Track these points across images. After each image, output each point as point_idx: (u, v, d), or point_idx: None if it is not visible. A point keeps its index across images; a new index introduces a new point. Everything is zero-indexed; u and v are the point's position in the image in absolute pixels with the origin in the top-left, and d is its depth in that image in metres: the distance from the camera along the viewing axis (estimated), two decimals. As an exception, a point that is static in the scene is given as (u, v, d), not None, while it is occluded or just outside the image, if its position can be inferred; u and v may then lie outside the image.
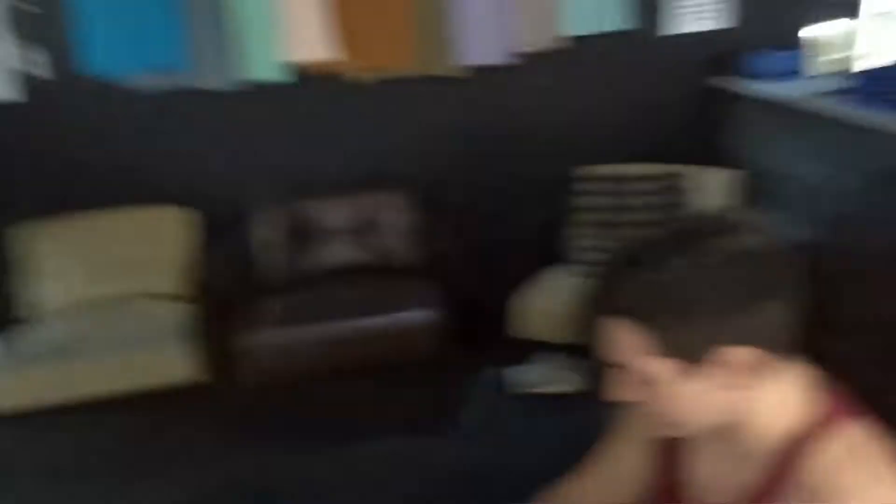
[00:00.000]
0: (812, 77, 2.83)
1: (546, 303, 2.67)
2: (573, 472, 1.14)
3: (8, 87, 2.82)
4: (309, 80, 2.93)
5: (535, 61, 3.02)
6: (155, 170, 3.01)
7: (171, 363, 2.51)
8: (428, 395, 2.75)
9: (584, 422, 1.79)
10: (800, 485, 0.80)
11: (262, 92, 2.91)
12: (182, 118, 2.99)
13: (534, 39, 2.96)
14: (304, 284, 2.89)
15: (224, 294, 2.60)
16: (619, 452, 1.08)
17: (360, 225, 2.98)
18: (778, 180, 2.79)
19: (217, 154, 3.06)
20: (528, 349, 2.72)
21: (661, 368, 0.80)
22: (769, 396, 0.83)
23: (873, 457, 0.79)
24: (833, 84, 2.52)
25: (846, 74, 2.56)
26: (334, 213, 3.00)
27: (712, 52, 3.09)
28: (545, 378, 2.72)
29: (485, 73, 3.00)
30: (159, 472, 2.44)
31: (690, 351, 0.79)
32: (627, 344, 0.81)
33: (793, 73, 2.84)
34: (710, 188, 2.79)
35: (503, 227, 2.87)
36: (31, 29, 2.80)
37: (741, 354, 0.78)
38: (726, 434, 0.87)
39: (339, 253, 2.97)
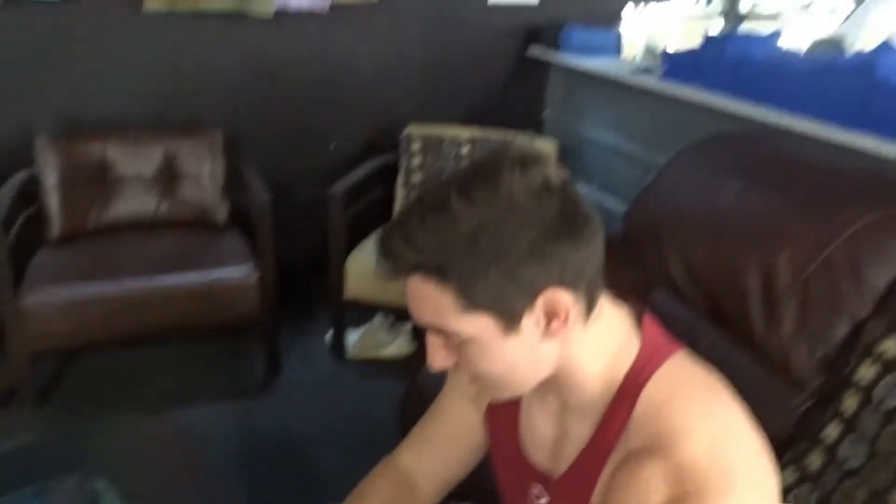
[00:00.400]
0: (624, 55, 3.02)
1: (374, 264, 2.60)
2: (410, 435, 1.09)
3: None
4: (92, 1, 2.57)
5: (353, 11, 2.90)
6: None
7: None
8: (251, 357, 2.61)
9: (414, 385, 1.80)
10: (631, 429, 0.77)
11: (31, 7, 2.50)
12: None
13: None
14: (95, 237, 2.55)
15: (4, 245, 2.21)
16: (453, 409, 1.04)
17: (162, 172, 2.68)
18: (588, 149, 2.96)
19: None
20: (358, 311, 2.67)
21: (478, 326, 0.73)
22: (590, 343, 0.79)
23: (699, 390, 0.79)
24: (643, 63, 2.72)
25: (655, 55, 2.75)
26: (131, 157, 2.65)
27: (533, 24, 3.17)
28: (375, 341, 2.68)
29: (291, 17, 2.81)
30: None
31: (504, 302, 0.72)
32: (435, 303, 0.73)
33: (607, 49, 3.00)
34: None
35: (321, 183, 2.75)
36: None
37: (562, 298, 0.73)
38: (553, 390, 0.84)
39: (137, 203, 2.64)
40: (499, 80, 3.21)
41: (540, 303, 0.73)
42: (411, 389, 1.80)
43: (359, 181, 2.71)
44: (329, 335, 2.71)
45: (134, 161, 2.66)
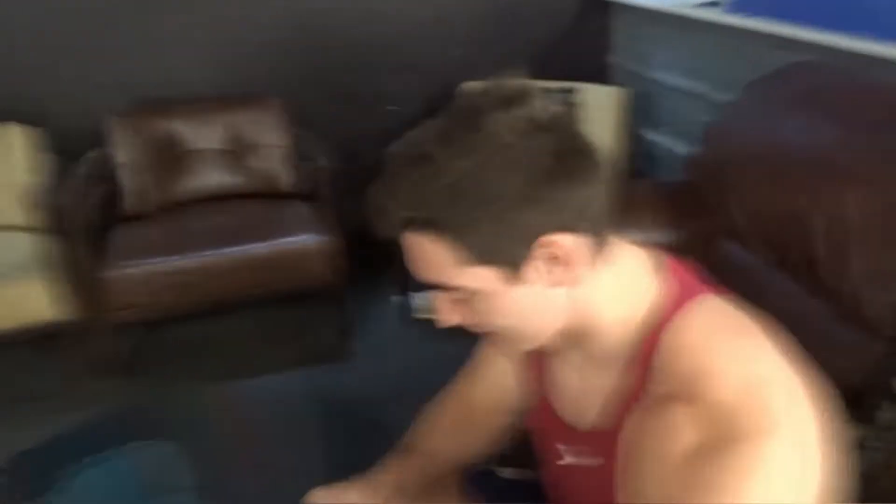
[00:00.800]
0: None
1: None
2: (452, 384, 1.11)
3: None
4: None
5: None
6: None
7: (27, 301, 2.25)
8: (323, 323, 2.68)
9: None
10: (655, 375, 0.72)
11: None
12: (11, 21, 2.59)
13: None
14: (174, 211, 2.65)
15: (81, 223, 2.33)
16: (493, 359, 1.05)
17: (230, 145, 2.74)
18: (657, 94, 2.82)
19: (60, 62, 2.68)
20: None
21: (480, 279, 0.70)
22: (604, 288, 0.74)
23: (730, 332, 0.73)
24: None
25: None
26: (199, 131, 2.73)
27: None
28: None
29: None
30: (28, 414, 2.24)
31: (506, 251, 0.69)
32: (434, 259, 0.70)
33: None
34: (599, 104, 2.77)
35: (383, 145, 2.73)
36: None
37: (563, 243, 0.69)
38: (573, 341, 0.79)
39: (208, 176, 2.73)
40: (559, 27, 3.10)
41: (540, 249, 0.69)
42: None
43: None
44: (396, 298, 2.73)
45: (201, 135, 2.74)
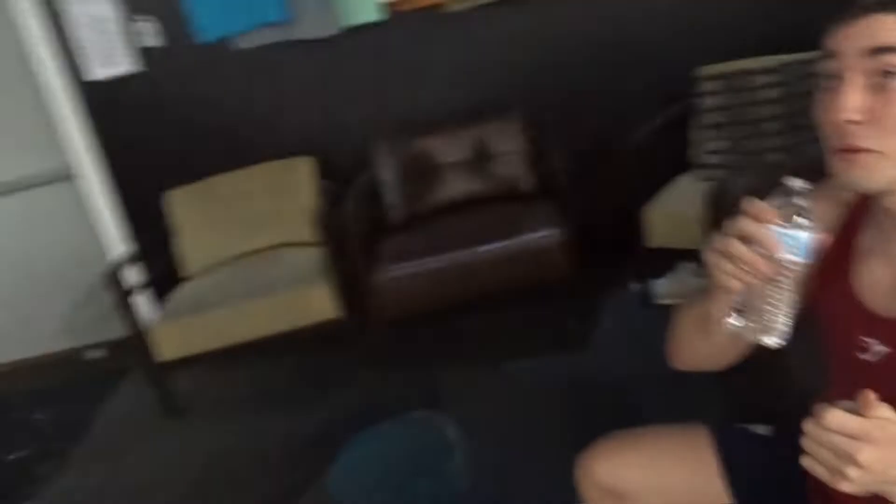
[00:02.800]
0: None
1: (679, 209, 2.60)
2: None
3: (126, 58, 3.04)
4: (402, 16, 2.97)
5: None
6: (275, 124, 3.15)
7: (311, 303, 2.66)
8: (566, 313, 2.81)
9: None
10: None
11: (359, 35, 2.99)
12: (289, 71, 3.10)
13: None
14: (426, 219, 2.97)
15: (354, 235, 2.72)
16: None
17: (475, 155, 3.00)
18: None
19: (331, 101, 3.14)
20: (666, 259, 2.71)
21: None
22: None
23: None
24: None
25: None
26: (448, 146, 3.03)
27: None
28: (685, 287, 2.69)
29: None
30: (323, 398, 2.67)
31: None
32: None
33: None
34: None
35: (622, 138, 2.80)
36: (143, 1, 3.00)
37: None
38: None
39: (456, 185, 3.01)
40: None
41: None
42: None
43: (652, 132, 2.73)
44: (636, 286, 2.78)
45: (451, 149, 3.03)
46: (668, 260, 2.73)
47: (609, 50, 3.06)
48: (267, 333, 2.67)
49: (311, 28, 2.99)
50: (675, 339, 1.12)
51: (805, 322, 1.02)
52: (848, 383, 0.95)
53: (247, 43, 3.04)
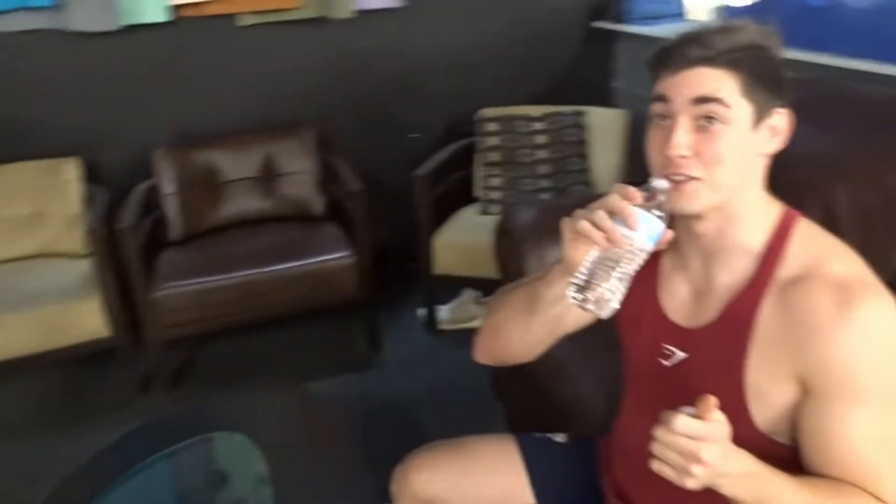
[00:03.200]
0: (692, 18, 3.05)
1: (463, 240, 2.78)
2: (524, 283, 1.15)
3: None
4: (191, 21, 2.85)
5: (427, 3, 3.09)
6: (37, 120, 2.82)
7: (80, 320, 2.43)
8: (356, 336, 2.84)
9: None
10: (788, 261, 0.95)
11: (142, 35, 2.82)
12: (59, 63, 2.81)
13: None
14: (210, 235, 2.84)
15: (129, 248, 2.52)
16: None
17: (263, 173, 2.94)
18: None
19: (107, 102, 2.90)
20: (450, 286, 2.86)
21: (742, 109, 0.93)
22: (759, 184, 0.99)
23: (829, 234, 1.00)
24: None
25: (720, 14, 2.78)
26: (235, 161, 2.93)
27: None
28: (465, 314, 2.86)
29: (370, 15, 3.02)
30: (91, 423, 2.44)
31: (763, 103, 0.94)
32: (721, 83, 0.92)
33: (671, 15, 3.05)
34: (605, 125, 2.96)
35: (407, 169, 2.93)
36: None
37: (785, 119, 0.96)
38: (714, 227, 0.98)
39: (243, 202, 2.93)
40: (568, 56, 3.31)
41: (777, 116, 0.96)
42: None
43: (440, 164, 2.89)
44: (422, 311, 2.90)
45: (238, 165, 2.94)
46: (452, 287, 2.89)
47: (404, 81, 3.19)
48: (27, 352, 2.38)
49: (85, 20, 2.73)
50: (491, 327, 1.19)
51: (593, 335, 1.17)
52: (647, 387, 1.11)
53: (5, 25, 2.71)
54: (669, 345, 1.05)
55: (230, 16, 2.90)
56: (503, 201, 2.89)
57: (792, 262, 0.95)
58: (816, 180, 1.61)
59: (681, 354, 1.04)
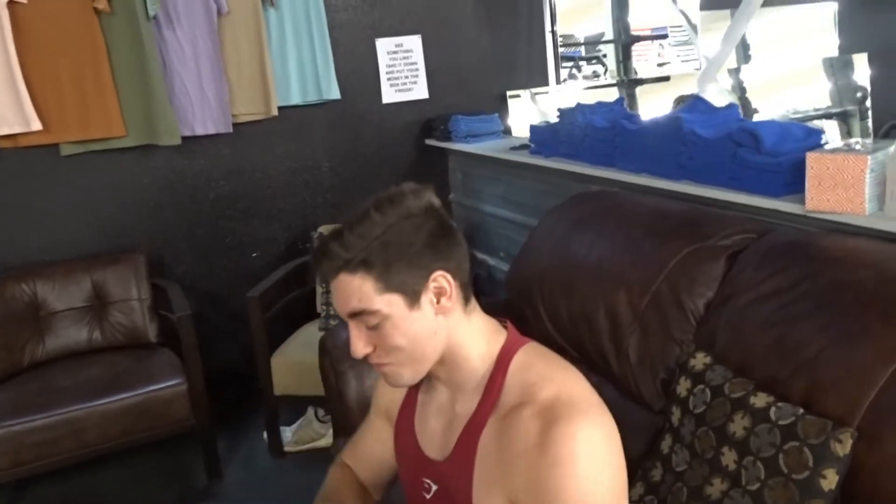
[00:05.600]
0: (514, 135, 3.30)
1: (302, 357, 2.75)
2: (349, 444, 1.32)
3: None
4: (7, 152, 2.79)
5: (256, 127, 3.17)
6: None
7: None
8: (192, 467, 2.71)
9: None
10: (507, 391, 1.01)
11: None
12: None
13: (255, 109, 3.12)
14: (31, 371, 2.68)
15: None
16: (375, 427, 1.27)
17: (91, 302, 2.84)
18: (489, 225, 3.19)
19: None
20: (293, 406, 2.81)
21: (390, 304, 0.98)
22: (471, 327, 1.05)
23: (554, 357, 1.06)
24: (518, 141, 2.99)
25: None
26: (60, 291, 2.82)
27: (427, 116, 3.46)
28: (310, 434, 2.80)
29: (201, 141, 3.07)
30: None
31: (408, 283, 0.98)
32: (359, 290, 0.97)
33: (493, 133, 3.26)
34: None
35: (246, 289, 2.92)
36: None
37: (442, 280, 1.00)
38: (444, 374, 1.06)
39: (70, 334, 2.80)
40: (403, 171, 3.47)
41: (432, 284, 1.00)
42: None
43: (278, 282, 2.89)
44: (265, 434, 2.82)
45: (64, 295, 2.82)
46: (298, 407, 2.84)
47: (240, 201, 3.22)
48: None
49: None
50: None
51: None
52: None
53: None
54: (427, 478, 1.10)
55: (53, 146, 2.86)
56: (339, 316, 2.91)
57: (511, 391, 1.01)
58: (602, 291, 1.76)
59: (435, 487, 1.09)
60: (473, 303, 1.06)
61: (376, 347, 1.01)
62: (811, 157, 1.49)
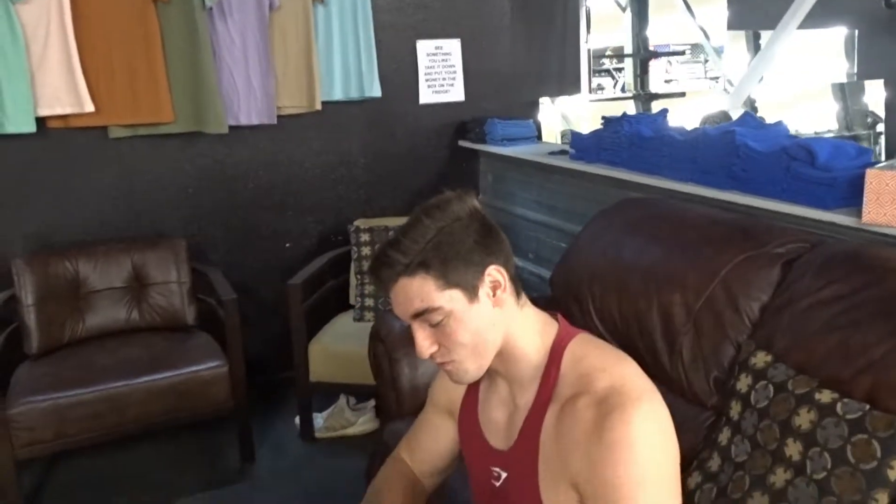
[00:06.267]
0: (544, 140, 3.39)
1: (338, 346, 2.83)
2: (405, 439, 1.37)
3: None
4: (58, 132, 2.84)
5: (299, 121, 3.24)
6: None
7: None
8: (226, 449, 2.77)
9: (377, 455, 2.00)
10: (562, 382, 1.07)
11: (7, 144, 2.78)
12: None
13: (298, 103, 3.18)
14: (72, 347, 2.73)
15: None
16: (432, 420, 1.33)
17: (131, 283, 2.90)
18: (520, 227, 3.27)
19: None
20: (327, 393, 2.88)
21: (452, 298, 1.04)
22: (524, 320, 1.11)
23: (608, 348, 1.13)
24: (560, 145, 3.08)
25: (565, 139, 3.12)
26: (101, 271, 2.87)
27: (461, 118, 3.54)
28: (341, 421, 2.87)
29: (244, 130, 3.13)
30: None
31: (467, 278, 1.05)
32: (421, 291, 1.04)
33: (527, 137, 3.36)
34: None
35: (281, 278, 2.98)
36: None
37: (496, 273, 1.07)
38: (502, 369, 1.12)
39: (110, 313, 2.85)
40: (435, 170, 3.55)
41: (487, 278, 1.07)
42: (375, 459, 1.99)
43: (314, 273, 2.96)
44: (297, 419, 2.89)
45: (105, 275, 2.88)
46: (329, 394, 2.90)
47: (278, 192, 3.29)
48: None
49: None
50: None
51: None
52: None
53: None
54: (495, 467, 1.17)
55: (102, 128, 2.91)
56: (377, 308, 2.99)
57: (566, 382, 1.07)
58: (655, 293, 1.84)
59: (504, 474, 1.16)
60: (524, 297, 1.13)
61: (441, 346, 1.07)
62: (871, 174, 1.59)
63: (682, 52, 5.52)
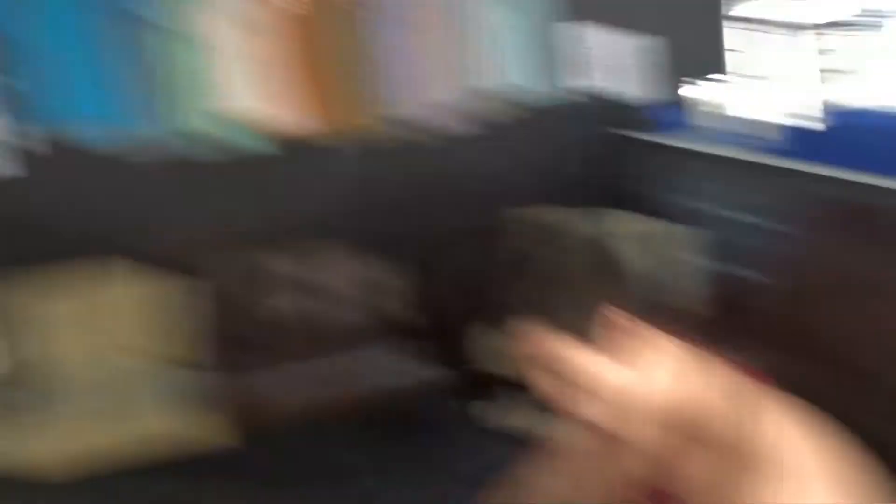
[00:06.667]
0: (704, 129, 3.10)
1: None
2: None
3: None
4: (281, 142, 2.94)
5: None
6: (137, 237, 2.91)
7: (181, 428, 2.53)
8: (426, 443, 2.83)
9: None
10: None
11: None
12: (159, 186, 2.92)
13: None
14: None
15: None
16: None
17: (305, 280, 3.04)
18: (703, 224, 3.05)
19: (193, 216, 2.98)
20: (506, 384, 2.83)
21: None
22: None
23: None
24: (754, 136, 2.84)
25: (768, 129, 2.86)
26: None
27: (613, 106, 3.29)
28: (519, 415, 2.83)
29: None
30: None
31: None
32: None
33: (680, 124, 3.11)
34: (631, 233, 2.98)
35: (452, 275, 2.99)
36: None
37: None
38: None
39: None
40: (589, 160, 3.35)
41: None
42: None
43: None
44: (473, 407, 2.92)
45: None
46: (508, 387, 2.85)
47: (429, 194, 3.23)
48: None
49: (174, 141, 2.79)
50: None
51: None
52: None
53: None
54: None
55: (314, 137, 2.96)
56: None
57: None
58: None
59: None
60: None
61: None
62: None
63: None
